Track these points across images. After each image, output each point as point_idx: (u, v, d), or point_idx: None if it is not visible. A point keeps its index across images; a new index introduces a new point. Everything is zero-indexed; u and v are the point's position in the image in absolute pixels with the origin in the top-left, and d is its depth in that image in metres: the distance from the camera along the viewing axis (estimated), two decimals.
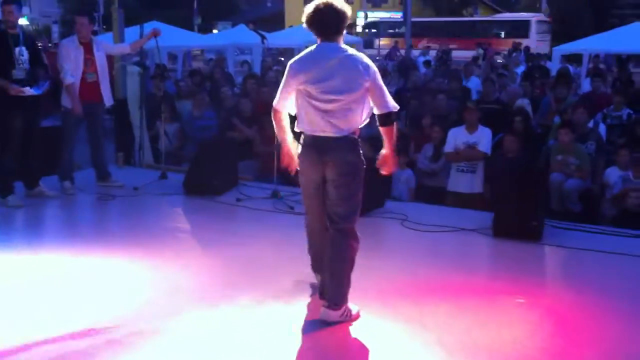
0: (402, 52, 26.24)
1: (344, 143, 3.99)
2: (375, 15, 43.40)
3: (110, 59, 7.87)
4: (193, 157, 7.68)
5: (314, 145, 4.02)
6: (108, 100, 7.27)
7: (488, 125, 7.69)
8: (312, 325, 4.02)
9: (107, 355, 3.60)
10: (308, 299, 4.39)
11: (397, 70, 17.45)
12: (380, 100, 4.00)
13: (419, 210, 6.62)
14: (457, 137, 7.58)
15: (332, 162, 3.97)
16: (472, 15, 46.60)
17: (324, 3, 3.96)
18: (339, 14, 3.96)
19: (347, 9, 4.02)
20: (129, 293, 4.50)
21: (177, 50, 20.75)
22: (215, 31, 35.46)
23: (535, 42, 34.07)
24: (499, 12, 50.66)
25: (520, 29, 35.19)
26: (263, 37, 14.58)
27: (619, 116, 9.11)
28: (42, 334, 3.84)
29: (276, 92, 4.15)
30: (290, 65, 4.05)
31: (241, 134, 8.63)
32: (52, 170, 7.11)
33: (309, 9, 4.00)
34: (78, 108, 6.88)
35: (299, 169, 4.17)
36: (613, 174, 6.94)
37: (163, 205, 6.87)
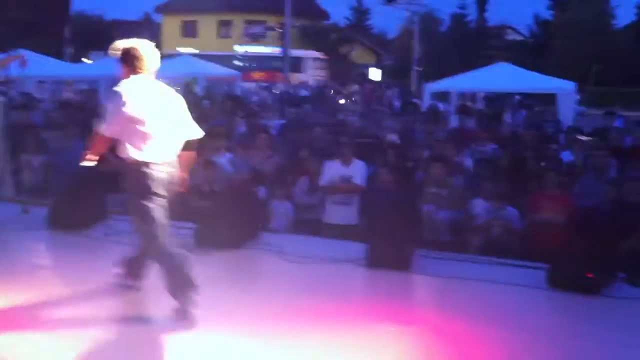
0: (281, 86, 26.54)
1: None
2: (254, 50, 43.69)
3: None
4: (60, 190, 7.30)
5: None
6: None
7: (363, 158, 7.84)
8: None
9: None
10: (184, 332, 4.25)
11: (278, 104, 17.58)
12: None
13: (296, 242, 6.62)
14: (332, 170, 7.68)
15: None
16: (349, 53, 47.98)
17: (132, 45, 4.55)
18: (136, 55, 4.51)
19: (144, 53, 4.52)
20: None
21: (46, 79, 19.92)
22: (87, 60, 34.29)
23: (310, 77, 36.17)
24: (375, 52, 52.58)
25: (295, 64, 37.02)
26: None
27: (485, 151, 9.58)
28: None
29: None
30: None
31: (111, 166, 8.28)
32: None
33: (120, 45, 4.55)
34: None
35: (160, 195, 4.46)
36: (479, 205, 7.25)
37: (26, 240, 6.47)
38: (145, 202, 4.40)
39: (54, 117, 10.96)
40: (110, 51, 4.50)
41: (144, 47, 4.57)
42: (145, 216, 4.41)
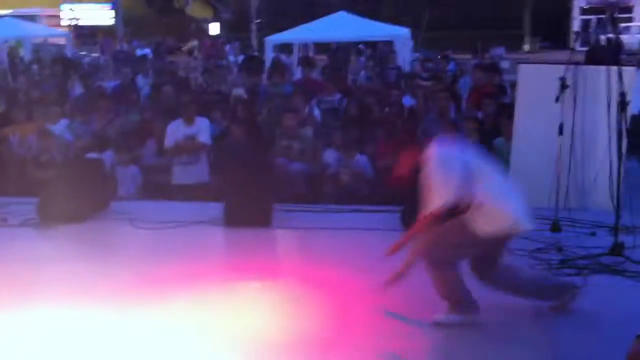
0: (123, 46, 25.35)
1: None
2: (81, 8, 41.09)
3: None
4: None
5: None
6: None
7: (210, 115, 7.67)
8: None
9: None
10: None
11: (113, 64, 16.74)
12: None
13: (148, 207, 6.40)
14: (176, 131, 7.45)
15: None
16: (185, 7, 46.62)
17: None
18: None
19: None
20: None
21: None
22: None
23: None
24: (212, 5, 51.42)
25: None
26: None
27: (332, 101, 9.69)
28: None
29: None
30: None
31: None
32: None
33: None
34: None
35: None
36: (330, 156, 7.35)
37: None
38: None
39: None
40: None
41: None
42: None
